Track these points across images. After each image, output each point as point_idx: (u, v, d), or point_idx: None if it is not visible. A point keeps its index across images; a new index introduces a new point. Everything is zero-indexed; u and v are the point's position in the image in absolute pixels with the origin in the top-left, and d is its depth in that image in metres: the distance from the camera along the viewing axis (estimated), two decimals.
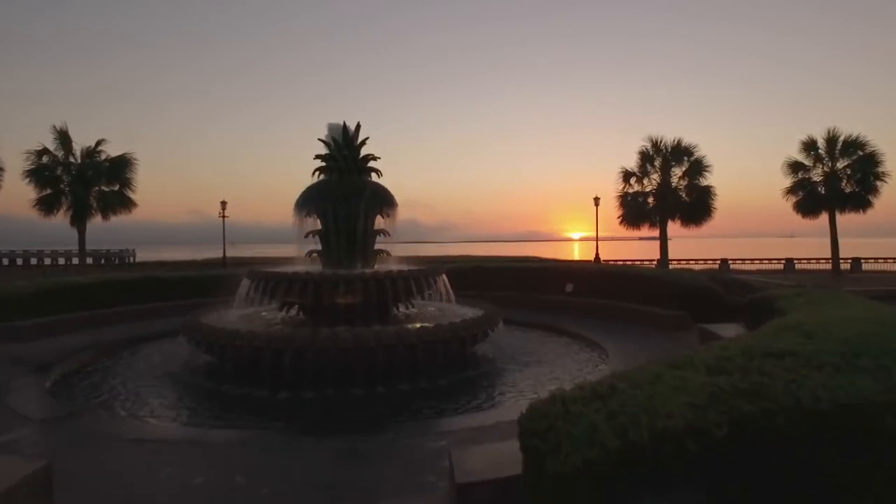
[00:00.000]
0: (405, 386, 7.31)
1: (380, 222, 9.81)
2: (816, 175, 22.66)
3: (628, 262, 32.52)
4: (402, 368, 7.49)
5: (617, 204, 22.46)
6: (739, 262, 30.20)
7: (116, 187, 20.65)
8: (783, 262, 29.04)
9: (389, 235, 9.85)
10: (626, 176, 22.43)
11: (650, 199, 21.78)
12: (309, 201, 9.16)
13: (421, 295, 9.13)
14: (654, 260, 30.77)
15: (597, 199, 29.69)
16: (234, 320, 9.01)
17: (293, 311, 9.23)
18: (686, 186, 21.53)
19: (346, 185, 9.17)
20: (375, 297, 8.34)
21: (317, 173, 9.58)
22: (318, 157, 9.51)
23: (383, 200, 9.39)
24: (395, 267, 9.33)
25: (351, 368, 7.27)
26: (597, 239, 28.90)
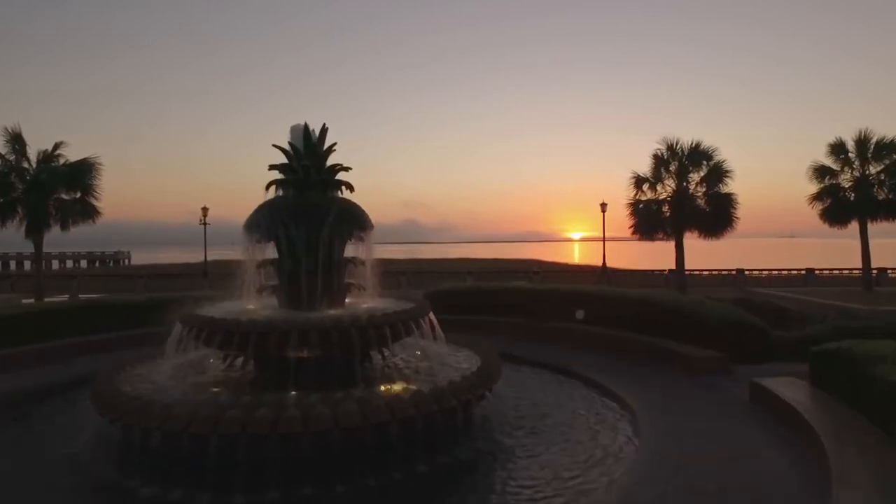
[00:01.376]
0: (372, 480, 5.42)
1: (352, 249, 7.95)
2: (846, 181, 20.88)
3: (637, 271, 30.60)
4: (369, 453, 5.63)
5: (628, 212, 20.58)
6: (756, 272, 28.30)
7: (77, 195, 18.74)
8: (803, 271, 27.15)
9: (363, 264, 7.95)
10: (639, 182, 20.48)
11: (665, 208, 19.89)
12: (260, 224, 7.27)
13: (401, 339, 7.28)
14: (664, 270, 28.87)
15: (604, 206, 27.84)
16: (162, 376, 7.15)
17: (240, 362, 7.36)
18: (705, 194, 19.62)
19: (307, 204, 7.27)
20: (339, 350, 6.46)
21: (272, 188, 7.68)
22: (272, 167, 7.62)
23: (354, 222, 7.49)
24: (368, 308, 7.43)
25: (301, 457, 5.40)
26: (604, 246, 27.03)
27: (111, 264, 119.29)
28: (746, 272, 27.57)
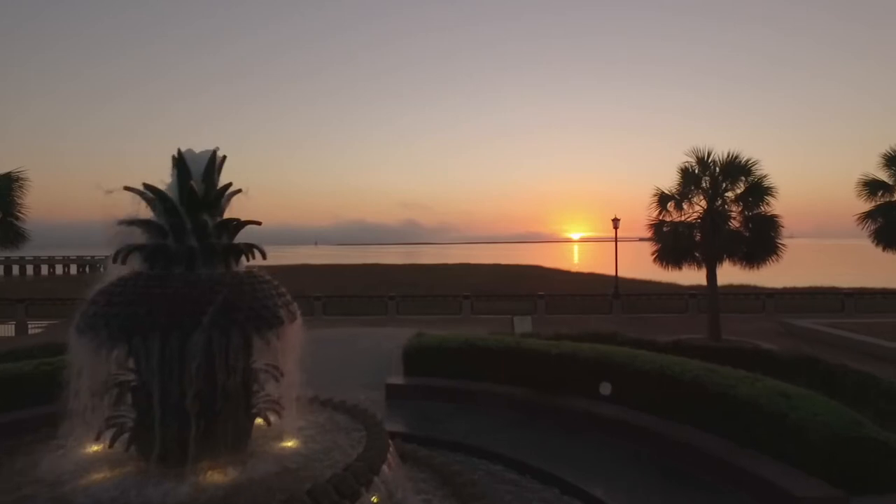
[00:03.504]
0: None
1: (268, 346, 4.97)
2: None
3: (654, 291, 27.57)
4: None
5: (649, 234, 17.52)
6: (788, 296, 25.27)
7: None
8: (840, 297, 24.12)
9: (282, 376, 4.97)
10: (663, 200, 17.34)
11: (696, 232, 16.83)
12: (96, 323, 4.28)
13: None
14: (688, 291, 25.88)
15: (616, 221, 24.79)
16: None
17: None
18: (741, 213, 16.54)
19: (170, 291, 4.28)
20: None
21: (130, 256, 4.69)
22: (126, 223, 4.63)
23: (255, 316, 4.50)
24: (274, 470, 4.42)
25: None
26: (616, 270, 24.00)
27: (101, 269, 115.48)
28: (776, 294, 24.58)
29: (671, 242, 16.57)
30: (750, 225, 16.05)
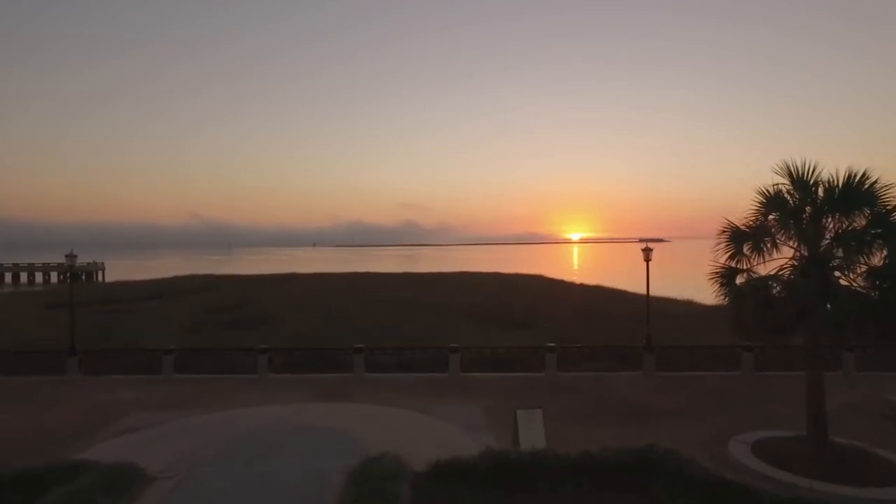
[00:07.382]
0: None
1: None
2: None
3: (694, 344, 22.00)
4: None
5: (716, 289, 11.90)
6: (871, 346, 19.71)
7: None
8: None
9: None
10: (737, 238, 11.69)
11: (793, 291, 11.09)
12: None
13: None
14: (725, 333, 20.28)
15: (647, 251, 19.13)
16: None
17: None
18: (865, 265, 10.68)
19: None
20: None
21: None
22: None
23: None
24: None
25: None
26: (648, 318, 18.43)
27: (83, 277, 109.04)
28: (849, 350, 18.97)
29: (753, 307, 10.81)
30: (883, 283, 10.30)
